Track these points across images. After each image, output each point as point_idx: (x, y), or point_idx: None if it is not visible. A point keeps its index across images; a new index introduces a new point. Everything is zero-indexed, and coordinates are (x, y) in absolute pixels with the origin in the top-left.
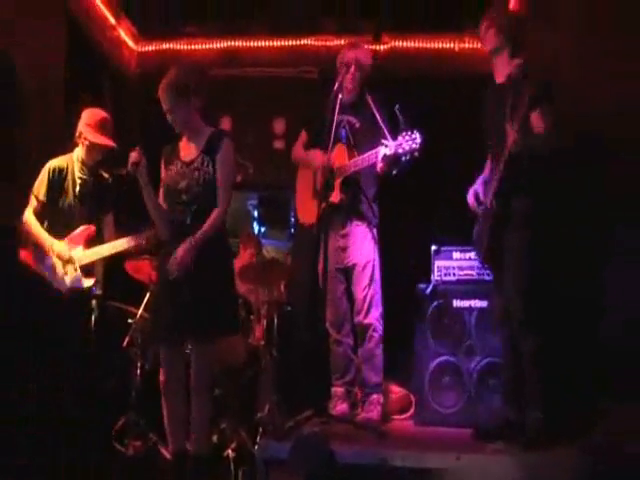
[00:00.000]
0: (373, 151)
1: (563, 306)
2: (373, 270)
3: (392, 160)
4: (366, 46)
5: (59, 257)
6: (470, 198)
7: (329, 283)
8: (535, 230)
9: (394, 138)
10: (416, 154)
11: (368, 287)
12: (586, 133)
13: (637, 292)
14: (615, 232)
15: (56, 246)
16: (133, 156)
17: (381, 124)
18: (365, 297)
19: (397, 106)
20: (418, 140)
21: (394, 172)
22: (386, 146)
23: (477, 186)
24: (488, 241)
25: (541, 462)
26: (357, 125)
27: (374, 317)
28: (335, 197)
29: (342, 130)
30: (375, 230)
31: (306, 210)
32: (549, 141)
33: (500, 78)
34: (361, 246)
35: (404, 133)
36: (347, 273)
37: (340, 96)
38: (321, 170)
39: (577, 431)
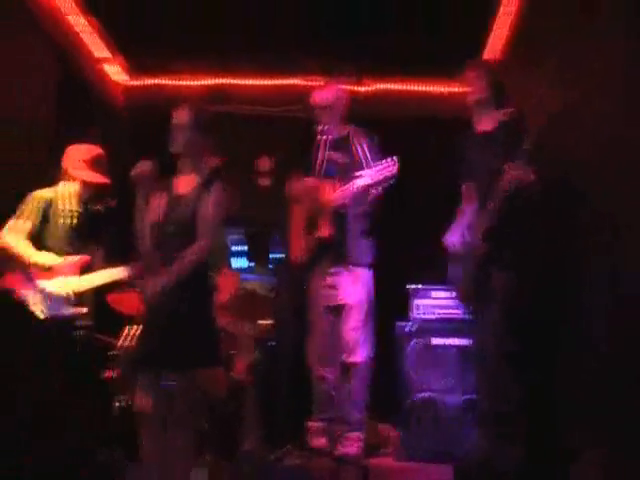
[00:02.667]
0: (351, 183)
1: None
2: (364, 310)
3: (372, 187)
4: (331, 85)
5: (40, 266)
6: (452, 239)
7: (317, 320)
8: (521, 270)
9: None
10: (392, 181)
11: (357, 328)
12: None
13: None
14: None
15: (36, 257)
16: (146, 164)
17: (360, 157)
18: (352, 337)
19: (376, 138)
20: (395, 167)
21: (376, 195)
22: (362, 176)
23: (460, 228)
24: (472, 280)
25: None
26: (340, 161)
27: (361, 356)
28: (324, 232)
29: (330, 167)
30: (366, 269)
31: (298, 246)
32: (534, 190)
33: (485, 127)
34: (351, 286)
35: (381, 161)
36: (336, 311)
37: (324, 136)
38: (312, 207)
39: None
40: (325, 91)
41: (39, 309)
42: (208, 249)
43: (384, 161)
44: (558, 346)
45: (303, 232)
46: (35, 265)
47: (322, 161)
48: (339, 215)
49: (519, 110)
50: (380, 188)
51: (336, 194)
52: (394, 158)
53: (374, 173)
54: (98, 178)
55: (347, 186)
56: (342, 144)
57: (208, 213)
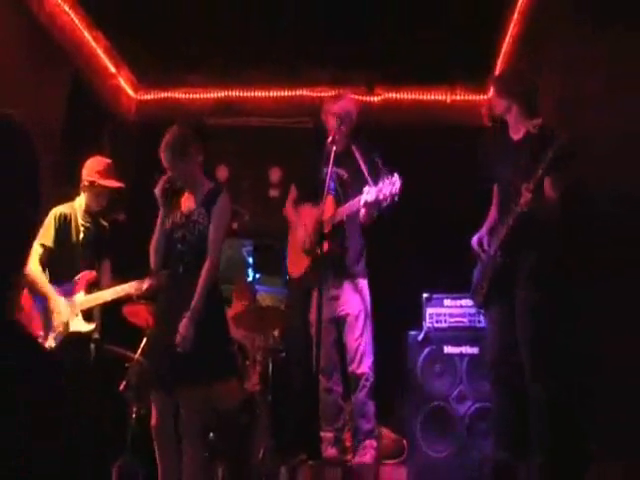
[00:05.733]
0: (356, 199)
1: (571, 357)
2: (365, 320)
3: (373, 206)
4: (350, 96)
5: (57, 316)
6: (474, 242)
7: (321, 333)
8: (542, 283)
9: (376, 184)
10: (396, 198)
11: (360, 337)
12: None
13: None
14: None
15: (60, 307)
16: (165, 180)
17: (365, 172)
18: (358, 347)
19: (376, 154)
20: (398, 184)
21: (375, 215)
22: (367, 193)
23: (482, 233)
24: (487, 288)
25: None
26: (345, 177)
27: (367, 366)
28: (324, 247)
29: (331, 182)
30: (365, 281)
31: (296, 264)
32: (557, 208)
33: (516, 135)
34: (352, 297)
35: (384, 178)
36: (338, 323)
37: (334, 148)
38: (313, 224)
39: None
40: (346, 100)
41: (51, 337)
42: (215, 267)
43: (386, 178)
44: (576, 356)
45: (301, 251)
46: (54, 310)
47: (328, 175)
48: (338, 230)
49: (544, 123)
50: (383, 205)
51: (337, 210)
52: (396, 175)
53: (376, 191)
54: (114, 183)
55: (349, 203)
56: (346, 159)
57: (211, 232)
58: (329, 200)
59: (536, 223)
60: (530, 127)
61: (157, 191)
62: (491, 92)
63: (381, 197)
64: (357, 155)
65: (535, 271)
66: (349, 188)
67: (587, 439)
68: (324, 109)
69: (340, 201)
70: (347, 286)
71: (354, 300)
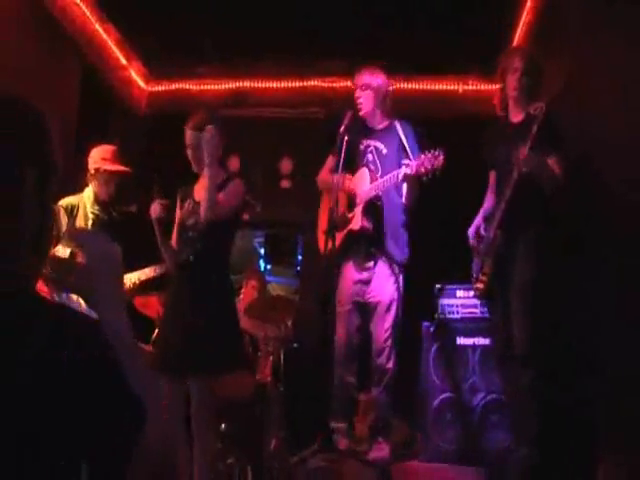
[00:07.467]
0: (394, 172)
1: (566, 343)
2: (397, 311)
3: (414, 180)
4: (373, 67)
5: None
6: (471, 232)
7: (344, 317)
8: (539, 264)
9: (416, 158)
10: (438, 173)
11: (391, 329)
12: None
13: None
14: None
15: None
16: (157, 209)
17: (406, 146)
18: (387, 339)
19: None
20: (441, 158)
21: (417, 193)
22: (407, 165)
23: (478, 220)
24: (489, 276)
25: None
26: (384, 151)
27: (394, 362)
28: (356, 224)
29: (368, 155)
30: (401, 267)
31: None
32: (556, 182)
33: (516, 118)
34: (385, 283)
35: (426, 152)
36: (365, 310)
37: (346, 137)
38: (344, 196)
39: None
40: (373, 72)
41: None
42: (216, 215)
43: (429, 153)
44: (580, 342)
45: (332, 225)
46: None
47: (364, 148)
48: (375, 207)
49: (547, 105)
50: (423, 179)
51: (373, 185)
52: (440, 150)
53: (417, 164)
54: (120, 167)
55: (385, 177)
56: (386, 134)
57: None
58: (363, 172)
59: (536, 192)
60: (534, 110)
61: (153, 215)
62: (518, 65)
63: (422, 170)
64: (400, 130)
65: (534, 247)
66: (387, 163)
67: (591, 437)
68: (354, 84)
69: (375, 175)
70: (381, 269)
71: (387, 286)
